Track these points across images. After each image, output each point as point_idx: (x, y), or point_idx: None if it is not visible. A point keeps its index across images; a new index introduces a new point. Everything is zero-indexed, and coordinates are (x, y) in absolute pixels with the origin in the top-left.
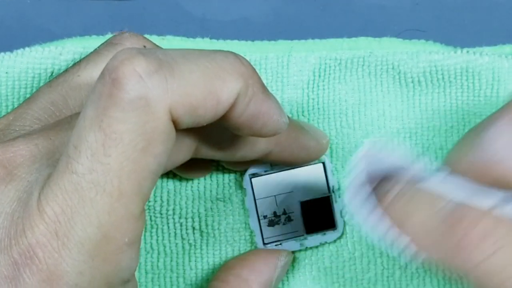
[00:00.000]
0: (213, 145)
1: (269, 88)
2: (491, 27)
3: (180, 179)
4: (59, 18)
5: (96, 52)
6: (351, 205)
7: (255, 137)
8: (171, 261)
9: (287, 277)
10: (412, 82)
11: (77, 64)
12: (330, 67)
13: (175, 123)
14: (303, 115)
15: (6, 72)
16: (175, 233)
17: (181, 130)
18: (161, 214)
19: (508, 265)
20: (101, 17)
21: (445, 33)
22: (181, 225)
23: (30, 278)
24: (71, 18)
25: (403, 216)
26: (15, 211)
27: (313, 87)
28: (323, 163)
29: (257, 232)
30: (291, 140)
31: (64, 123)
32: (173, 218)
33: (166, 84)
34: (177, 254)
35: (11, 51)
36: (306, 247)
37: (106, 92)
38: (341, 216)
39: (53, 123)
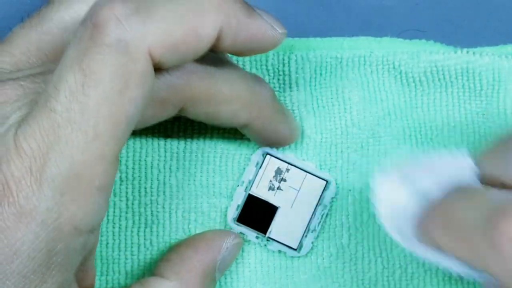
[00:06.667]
0: (198, 109)
1: (270, 85)
2: (491, 27)
3: (183, 173)
4: None
5: None
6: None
7: (237, 108)
8: None
9: (287, 275)
10: (414, 82)
11: (50, 4)
12: (331, 65)
13: (159, 63)
14: (306, 110)
15: None
16: (177, 228)
17: (168, 90)
18: (163, 208)
19: None
20: None
21: (445, 33)
22: (183, 219)
23: (4, 210)
24: None
25: (449, 214)
26: None
27: (315, 85)
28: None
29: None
30: (270, 119)
31: (48, 66)
32: (176, 213)
33: (143, 26)
34: None
35: None
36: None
37: (88, 35)
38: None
39: (37, 68)
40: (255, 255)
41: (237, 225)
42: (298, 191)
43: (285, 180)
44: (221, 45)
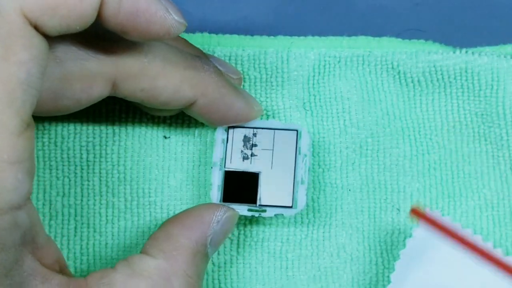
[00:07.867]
0: (132, 85)
1: (268, 83)
2: (491, 27)
3: (182, 173)
4: None
5: None
6: None
7: (178, 83)
8: None
9: (287, 276)
10: (412, 82)
11: None
12: (330, 64)
13: (40, 28)
14: (305, 109)
15: None
16: None
17: (94, 62)
18: (162, 209)
19: None
20: None
21: (445, 33)
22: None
23: None
24: None
25: None
26: None
27: (313, 84)
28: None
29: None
30: (219, 95)
31: None
32: (174, 214)
33: None
34: None
35: None
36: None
37: None
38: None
39: None
40: (255, 255)
41: (225, 205)
42: (272, 150)
43: (256, 145)
44: (104, 13)
